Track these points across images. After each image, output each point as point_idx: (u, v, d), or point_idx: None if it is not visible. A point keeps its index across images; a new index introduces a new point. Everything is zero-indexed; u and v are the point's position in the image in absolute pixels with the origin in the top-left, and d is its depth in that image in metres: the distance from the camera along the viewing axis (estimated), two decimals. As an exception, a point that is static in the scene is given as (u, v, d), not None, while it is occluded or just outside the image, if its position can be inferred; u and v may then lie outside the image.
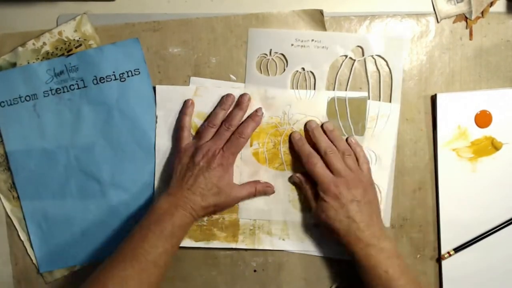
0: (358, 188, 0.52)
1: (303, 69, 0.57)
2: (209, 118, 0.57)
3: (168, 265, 0.50)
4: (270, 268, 0.60)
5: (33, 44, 0.57)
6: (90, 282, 0.47)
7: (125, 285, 0.46)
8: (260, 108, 0.57)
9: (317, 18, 0.56)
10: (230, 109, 0.57)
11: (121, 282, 0.46)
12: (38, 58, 0.58)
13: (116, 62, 0.57)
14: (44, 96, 0.58)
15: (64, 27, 0.57)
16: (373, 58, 0.57)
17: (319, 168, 0.53)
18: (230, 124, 0.55)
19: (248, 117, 0.57)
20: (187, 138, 0.56)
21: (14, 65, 0.58)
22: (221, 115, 0.56)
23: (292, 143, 0.56)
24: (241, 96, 0.56)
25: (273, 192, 0.58)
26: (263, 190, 0.57)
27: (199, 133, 0.57)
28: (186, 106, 0.57)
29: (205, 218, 0.58)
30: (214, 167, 0.53)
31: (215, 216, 0.58)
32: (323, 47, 0.57)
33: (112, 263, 0.48)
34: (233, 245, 0.59)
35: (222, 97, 0.57)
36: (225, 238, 0.59)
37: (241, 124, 0.56)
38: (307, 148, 0.55)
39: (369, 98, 0.57)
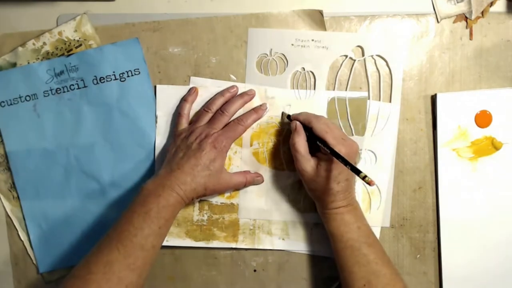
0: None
1: (303, 69, 0.57)
2: (207, 103, 0.57)
3: (157, 248, 0.49)
4: (270, 268, 0.60)
5: (33, 44, 0.57)
6: (77, 268, 0.47)
7: (109, 269, 0.45)
8: (265, 104, 0.57)
9: (317, 18, 0.56)
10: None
11: (106, 266, 0.45)
12: (38, 58, 0.58)
13: (116, 62, 0.57)
14: (44, 96, 0.58)
15: (64, 27, 0.57)
16: (373, 58, 0.57)
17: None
18: (226, 109, 0.55)
19: (251, 108, 0.57)
20: (184, 124, 0.56)
21: (14, 65, 0.58)
22: (219, 101, 0.56)
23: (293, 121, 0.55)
24: (249, 90, 0.57)
25: (263, 181, 0.58)
26: (253, 180, 0.57)
27: (195, 119, 0.57)
28: (189, 93, 0.57)
29: (205, 218, 0.58)
30: (207, 149, 0.52)
31: (215, 216, 0.59)
32: (323, 47, 0.57)
33: (98, 248, 0.47)
34: (233, 245, 0.59)
35: (226, 87, 0.57)
36: (225, 238, 0.59)
37: (244, 113, 0.56)
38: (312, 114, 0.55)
39: (369, 98, 0.57)
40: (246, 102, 0.57)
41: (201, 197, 0.54)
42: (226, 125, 0.55)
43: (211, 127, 0.54)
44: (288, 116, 0.56)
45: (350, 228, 0.52)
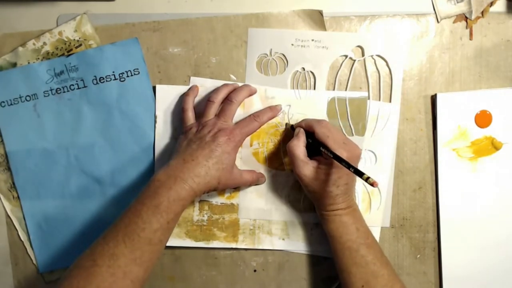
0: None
1: (303, 69, 0.57)
2: (211, 93, 0.56)
3: (164, 242, 0.48)
4: (270, 268, 0.60)
5: (34, 44, 0.57)
6: (82, 257, 0.46)
7: (114, 262, 0.44)
8: (280, 105, 0.57)
9: (317, 18, 0.56)
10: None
11: (111, 258, 0.44)
12: (38, 58, 0.58)
13: (115, 62, 0.57)
14: (44, 96, 0.58)
15: (64, 27, 0.57)
16: (373, 58, 0.57)
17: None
18: (234, 97, 0.54)
19: (267, 106, 0.57)
20: (192, 118, 0.55)
21: (14, 65, 0.58)
22: (223, 92, 0.55)
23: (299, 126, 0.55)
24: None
25: (265, 181, 0.58)
26: (258, 180, 0.57)
27: (201, 112, 0.55)
28: (191, 89, 0.56)
29: (205, 218, 0.58)
30: (221, 141, 0.51)
31: (215, 216, 0.59)
32: (323, 47, 0.57)
33: (105, 239, 0.46)
34: (233, 245, 0.59)
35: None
36: (225, 238, 0.59)
37: (260, 110, 0.56)
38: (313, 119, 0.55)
39: (369, 98, 0.57)
40: (252, 92, 0.56)
41: (212, 191, 0.52)
42: (241, 120, 0.55)
43: (222, 119, 0.53)
44: (292, 127, 0.56)
45: (349, 230, 0.52)
